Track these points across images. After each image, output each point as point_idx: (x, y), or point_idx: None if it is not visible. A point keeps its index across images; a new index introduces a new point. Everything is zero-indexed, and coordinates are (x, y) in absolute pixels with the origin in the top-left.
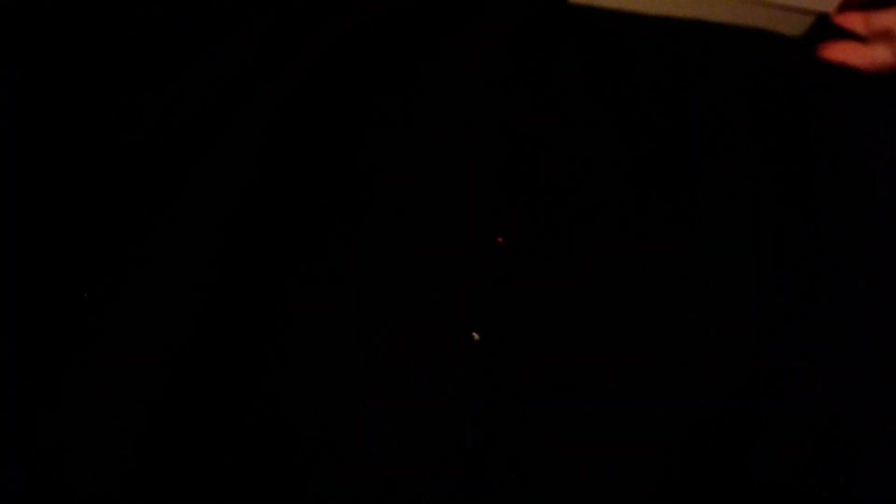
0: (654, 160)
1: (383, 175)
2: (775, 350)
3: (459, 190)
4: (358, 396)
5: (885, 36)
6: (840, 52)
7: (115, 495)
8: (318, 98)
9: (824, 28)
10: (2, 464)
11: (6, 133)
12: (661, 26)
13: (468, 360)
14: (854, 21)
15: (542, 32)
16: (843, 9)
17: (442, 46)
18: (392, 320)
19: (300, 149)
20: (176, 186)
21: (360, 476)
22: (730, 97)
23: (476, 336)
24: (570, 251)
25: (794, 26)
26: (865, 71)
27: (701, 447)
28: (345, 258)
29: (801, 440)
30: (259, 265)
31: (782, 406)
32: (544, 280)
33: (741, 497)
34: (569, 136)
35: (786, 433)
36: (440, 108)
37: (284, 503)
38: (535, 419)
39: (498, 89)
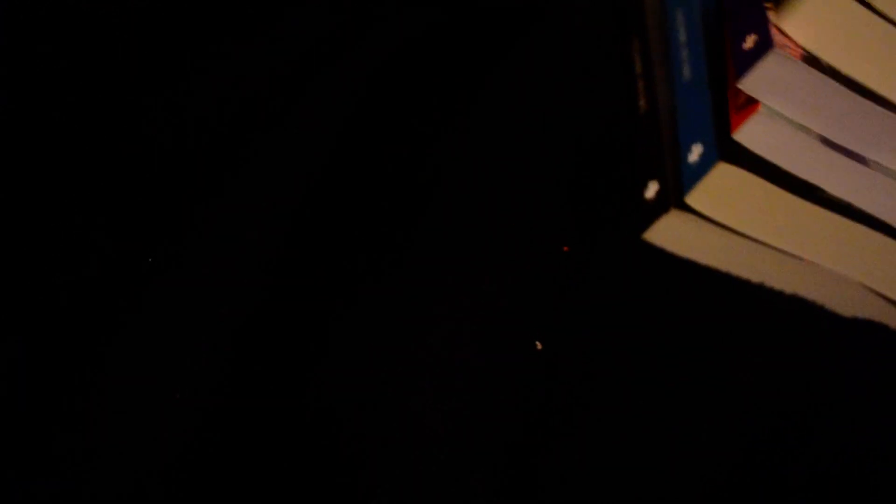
0: None
1: (451, 180)
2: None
3: (527, 198)
4: (413, 395)
5: None
6: None
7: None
8: (384, 100)
9: None
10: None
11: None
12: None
13: (529, 369)
14: None
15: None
16: None
17: (511, 53)
18: (454, 322)
19: (366, 148)
20: (240, 168)
21: (410, 477)
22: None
23: (539, 345)
24: (635, 264)
25: None
26: None
27: (745, 471)
28: (410, 259)
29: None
30: (321, 261)
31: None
32: (609, 291)
33: None
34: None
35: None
36: (507, 116)
37: (334, 499)
38: (591, 432)
39: (566, 98)
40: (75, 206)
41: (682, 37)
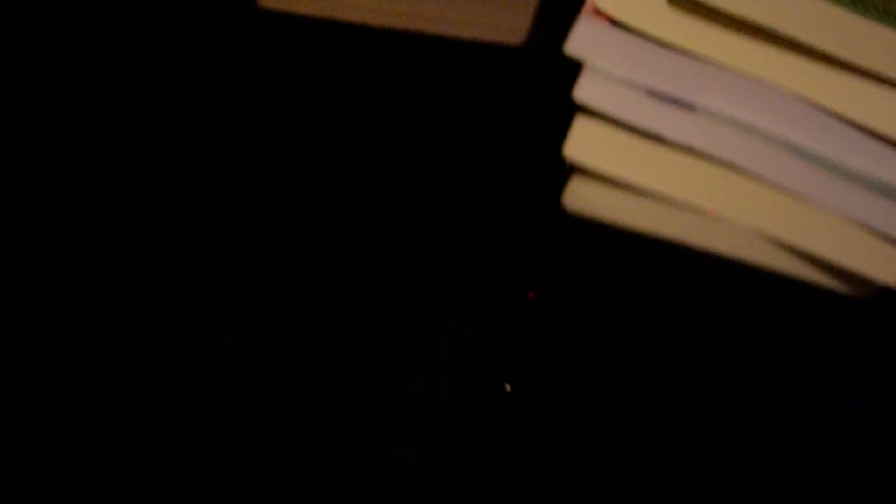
0: None
1: (420, 227)
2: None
3: (493, 245)
4: (387, 441)
5: None
6: None
7: None
8: (359, 154)
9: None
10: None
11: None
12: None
13: (499, 411)
14: None
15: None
16: None
17: (481, 104)
18: (425, 367)
19: (342, 199)
20: (223, 228)
21: None
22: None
23: (508, 387)
24: (600, 305)
25: (861, 291)
26: None
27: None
28: (380, 305)
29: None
30: (299, 308)
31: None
32: (575, 334)
33: None
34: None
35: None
36: (473, 167)
37: None
38: (562, 472)
39: (532, 146)
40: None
41: None
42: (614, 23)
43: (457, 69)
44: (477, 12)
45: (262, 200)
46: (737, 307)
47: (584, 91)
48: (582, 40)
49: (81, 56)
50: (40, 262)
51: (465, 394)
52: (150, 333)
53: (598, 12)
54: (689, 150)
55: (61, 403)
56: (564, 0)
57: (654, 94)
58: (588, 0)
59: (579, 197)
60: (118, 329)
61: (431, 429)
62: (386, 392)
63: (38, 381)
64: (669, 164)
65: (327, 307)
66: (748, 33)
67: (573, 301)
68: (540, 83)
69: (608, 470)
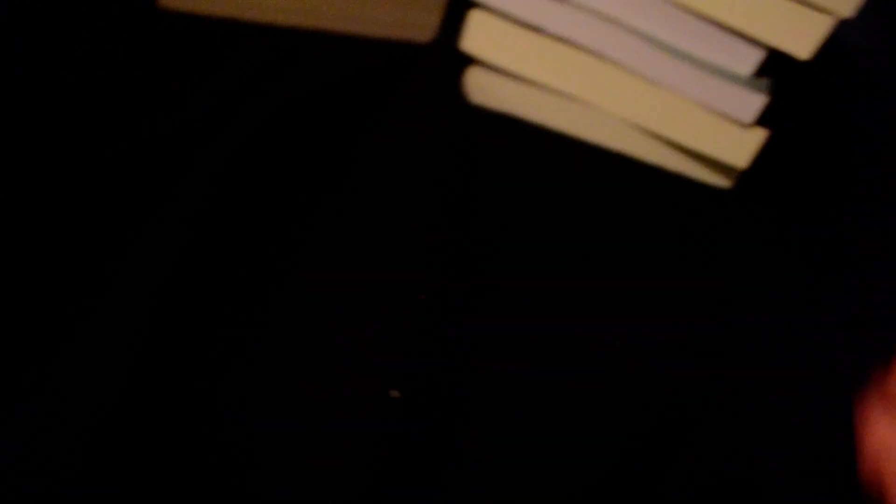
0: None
1: (314, 233)
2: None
3: (385, 249)
4: (273, 447)
5: None
6: None
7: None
8: (256, 159)
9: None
10: None
11: None
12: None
13: (387, 417)
14: None
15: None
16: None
17: (376, 113)
18: (314, 372)
19: (244, 198)
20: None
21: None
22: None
23: (395, 393)
24: (486, 308)
25: (722, 179)
26: None
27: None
28: (273, 308)
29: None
30: (194, 311)
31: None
32: (463, 338)
33: None
34: (492, 200)
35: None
36: (370, 173)
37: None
38: (449, 476)
39: (425, 154)
40: None
41: None
42: None
43: (367, 67)
44: (386, 10)
45: (162, 202)
46: (620, 206)
47: None
48: None
49: None
50: None
51: (350, 398)
52: (46, 331)
53: None
54: (565, 41)
55: None
56: None
57: None
58: None
59: (477, 88)
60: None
61: (315, 431)
62: (277, 395)
63: None
64: (550, 55)
65: (220, 310)
66: None
67: (462, 305)
68: (449, 79)
69: (491, 479)
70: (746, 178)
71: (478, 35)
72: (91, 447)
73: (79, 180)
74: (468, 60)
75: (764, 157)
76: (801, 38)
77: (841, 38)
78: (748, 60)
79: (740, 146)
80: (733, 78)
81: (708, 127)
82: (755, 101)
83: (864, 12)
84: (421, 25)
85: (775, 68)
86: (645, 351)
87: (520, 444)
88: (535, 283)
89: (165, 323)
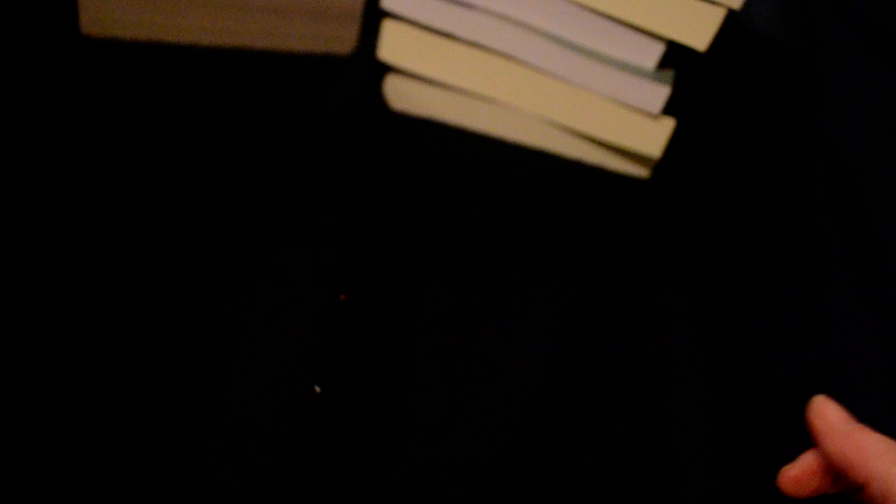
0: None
1: (237, 238)
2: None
3: (307, 252)
4: (201, 443)
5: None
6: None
7: None
8: (178, 171)
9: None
10: None
11: None
12: (503, 149)
13: (309, 412)
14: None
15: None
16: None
17: (298, 124)
18: (238, 371)
19: (161, 215)
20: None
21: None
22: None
23: (317, 389)
24: (407, 308)
25: (640, 169)
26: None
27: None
28: (199, 310)
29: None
30: (119, 322)
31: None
32: (383, 336)
33: None
34: (415, 201)
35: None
36: (293, 179)
37: None
38: (369, 469)
39: (344, 162)
40: None
41: None
42: None
43: (289, 80)
44: (305, 26)
45: (85, 214)
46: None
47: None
48: None
49: None
50: None
51: (274, 394)
52: None
53: None
54: (477, 46)
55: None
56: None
57: None
58: None
59: (396, 95)
60: None
61: (241, 427)
62: (198, 392)
63: None
64: (464, 59)
65: (144, 313)
66: None
67: (382, 304)
68: (369, 88)
69: (407, 470)
70: (663, 168)
71: (393, 44)
72: (11, 458)
73: (4, 194)
74: (387, 69)
75: (679, 146)
76: (697, 31)
77: (755, 27)
78: (650, 54)
79: (652, 136)
80: (638, 72)
81: (620, 120)
82: (661, 92)
83: (775, 1)
84: (340, 38)
85: (684, 60)
86: (563, 341)
87: (439, 437)
88: (456, 281)
89: (88, 332)
